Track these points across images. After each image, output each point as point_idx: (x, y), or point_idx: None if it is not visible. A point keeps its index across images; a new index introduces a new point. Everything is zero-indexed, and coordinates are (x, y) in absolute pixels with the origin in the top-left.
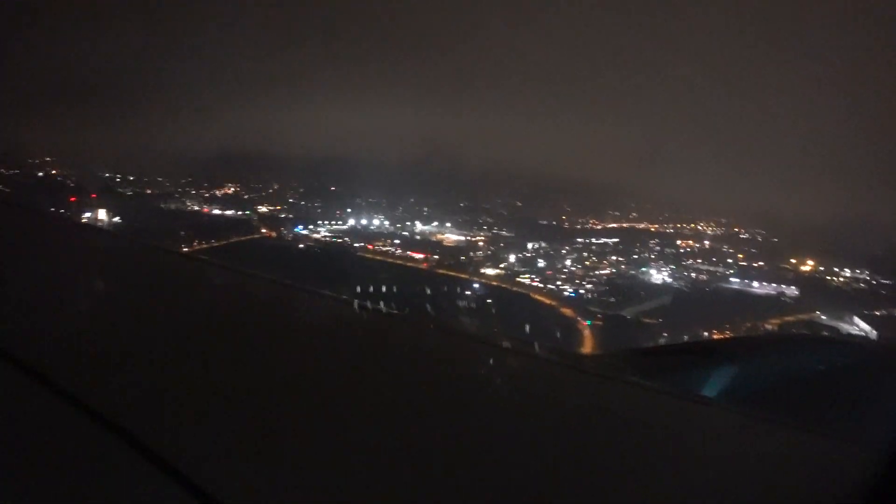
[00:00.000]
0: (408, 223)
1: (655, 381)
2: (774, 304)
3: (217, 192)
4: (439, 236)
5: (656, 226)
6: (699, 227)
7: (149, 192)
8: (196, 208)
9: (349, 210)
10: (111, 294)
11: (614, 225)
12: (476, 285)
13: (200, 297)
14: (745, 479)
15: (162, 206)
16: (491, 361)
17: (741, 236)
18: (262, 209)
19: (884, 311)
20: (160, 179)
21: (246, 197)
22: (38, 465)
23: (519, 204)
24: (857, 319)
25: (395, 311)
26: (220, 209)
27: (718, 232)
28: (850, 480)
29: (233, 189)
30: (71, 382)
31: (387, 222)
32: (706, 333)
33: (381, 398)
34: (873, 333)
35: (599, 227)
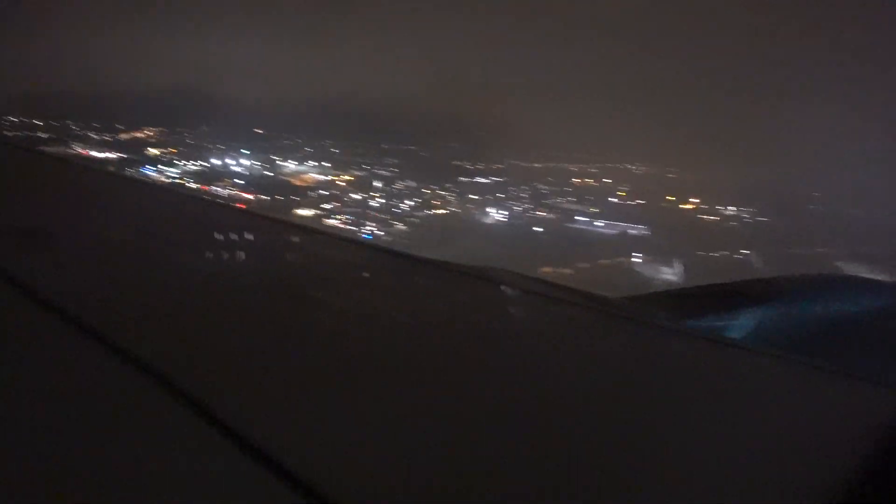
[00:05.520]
0: (279, 162)
1: (686, 323)
2: (607, 244)
3: (123, 136)
4: (302, 176)
5: (579, 165)
6: (626, 167)
7: (40, 135)
8: (78, 152)
9: (246, 151)
10: None
11: (537, 165)
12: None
13: None
14: (778, 423)
15: (37, 148)
16: (508, 302)
17: (668, 175)
18: (153, 151)
19: (725, 252)
20: (69, 122)
21: (152, 140)
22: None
23: (455, 145)
24: (675, 263)
25: None
26: (107, 153)
27: (651, 172)
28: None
29: (147, 133)
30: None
31: (258, 163)
32: None
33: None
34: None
35: (521, 165)
